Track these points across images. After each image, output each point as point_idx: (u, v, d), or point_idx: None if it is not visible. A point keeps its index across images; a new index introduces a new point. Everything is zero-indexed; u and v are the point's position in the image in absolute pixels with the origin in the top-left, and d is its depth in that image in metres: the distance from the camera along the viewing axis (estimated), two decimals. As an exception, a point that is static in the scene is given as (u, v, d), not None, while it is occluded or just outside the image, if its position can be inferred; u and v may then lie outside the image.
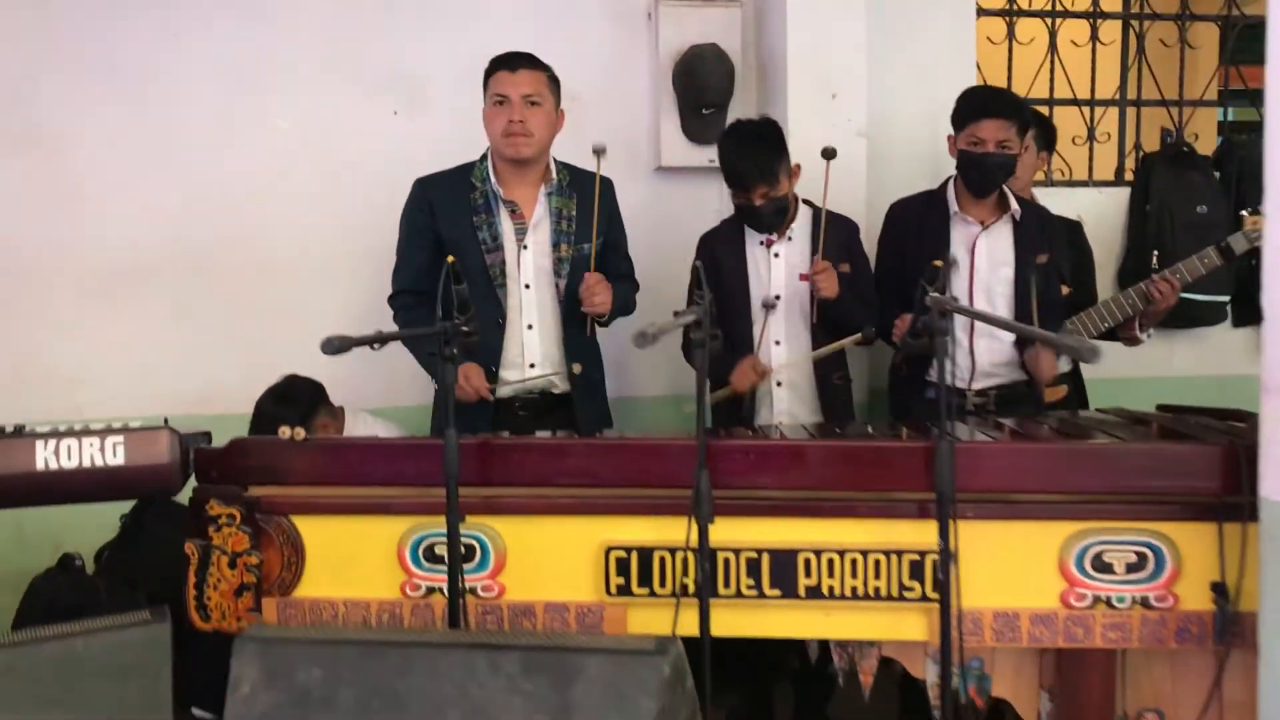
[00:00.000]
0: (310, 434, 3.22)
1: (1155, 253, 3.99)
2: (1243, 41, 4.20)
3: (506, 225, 3.03)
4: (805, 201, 3.21)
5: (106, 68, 3.55)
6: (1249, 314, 4.18)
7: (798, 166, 3.12)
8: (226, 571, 2.41)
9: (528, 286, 3.03)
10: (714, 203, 3.90)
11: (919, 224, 3.24)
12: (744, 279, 3.19)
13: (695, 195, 3.88)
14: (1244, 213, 3.52)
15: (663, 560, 2.34)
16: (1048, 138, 3.67)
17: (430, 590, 2.40)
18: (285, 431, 2.40)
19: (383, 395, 3.73)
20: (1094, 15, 4.16)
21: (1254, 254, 3.46)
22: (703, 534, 2.20)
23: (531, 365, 3.04)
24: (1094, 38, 4.18)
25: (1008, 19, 4.09)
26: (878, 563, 2.29)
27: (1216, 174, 4.17)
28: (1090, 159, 4.23)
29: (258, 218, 3.65)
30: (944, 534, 2.14)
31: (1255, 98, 4.25)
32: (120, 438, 2.28)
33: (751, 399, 3.13)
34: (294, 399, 3.25)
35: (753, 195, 3.04)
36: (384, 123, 3.71)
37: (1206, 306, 4.04)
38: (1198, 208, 4.03)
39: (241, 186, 3.63)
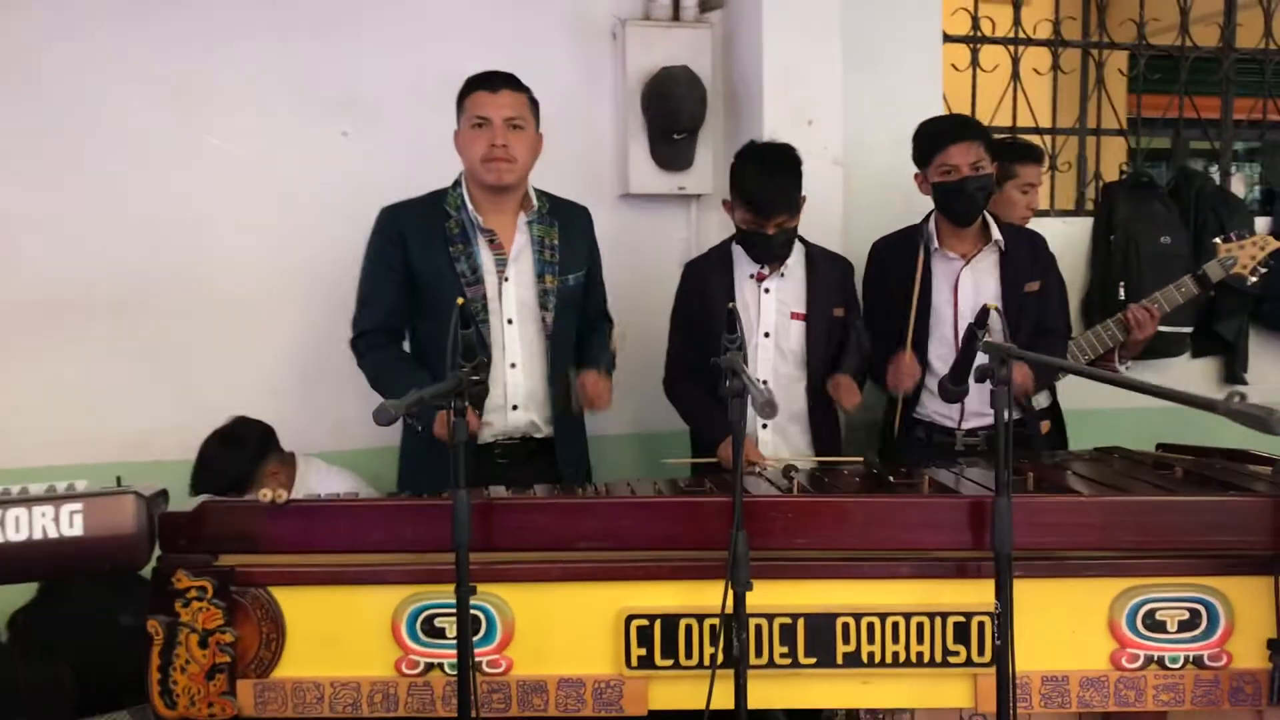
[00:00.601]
0: (258, 483, 2.99)
1: (1122, 284, 3.95)
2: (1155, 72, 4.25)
3: (486, 256, 2.81)
4: (799, 238, 3.06)
5: (24, 80, 3.21)
6: (1209, 345, 4.19)
7: (803, 198, 2.97)
8: (196, 651, 2.13)
9: (510, 322, 2.81)
10: (681, 231, 3.76)
11: (896, 263, 3.12)
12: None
13: (663, 224, 3.73)
14: (1216, 240, 3.49)
15: (689, 628, 2.15)
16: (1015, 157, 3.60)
17: (430, 667, 2.16)
18: (265, 494, 2.14)
19: (331, 438, 3.47)
20: (1055, 43, 4.12)
21: (1221, 284, 3.44)
22: (739, 602, 2.01)
23: (515, 408, 2.82)
24: (1055, 66, 4.14)
25: (971, 46, 4.02)
26: (920, 626, 2.14)
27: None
28: (1052, 188, 4.18)
29: (193, 247, 3.34)
30: (1003, 596, 1.99)
31: (1167, 125, 4.31)
32: (78, 505, 2.00)
33: None
34: (243, 444, 2.98)
35: (768, 224, 2.88)
36: (333, 145, 3.45)
37: (1170, 338, 4.00)
38: (1161, 238, 4.00)
39: (176, 212, 3.33)
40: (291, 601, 2.16)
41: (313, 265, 3.41)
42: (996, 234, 3.05)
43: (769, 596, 2.10)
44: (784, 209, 2.87)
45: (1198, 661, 2.14)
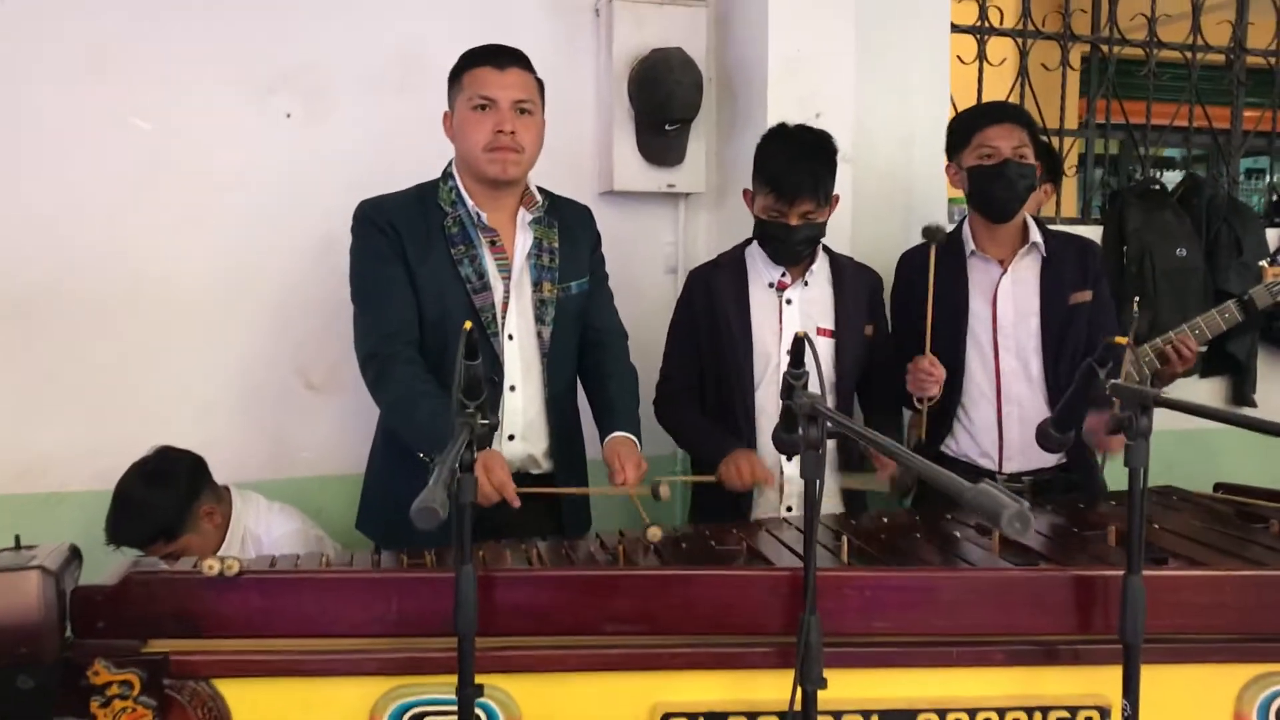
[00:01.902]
0: (192, 527, 2.53)
1: (1136, 299, 3.63)
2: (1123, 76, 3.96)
3: (489, 260, 2.39)
4: (824, 247, 2.69)
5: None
6: (1218, 365, 3.92)
7: (837, 198, 2.60)
8: (118, 765, 1.69)
9: (511, 337, 2.39)
10: (669, 234, 3.36)
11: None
12: (746, 328, 2.63)
13: (650, 225, 3.32)
14: (1263, 264, 3.19)
15: (738, 728, 1.76)
16: (1052, 166, 3.28)
17: (417, 780, 1.74)
18: (212, 564, 1.69)
19: (268, 465, 3.02)
20: (1065, 37, 3.81)
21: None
22: (808, 702, 1.63)
23: (511, 438, 2.39)
24: (1064, 62, 3.83)
25: (979, 37, 3.69)
26: (1016, 724, 1.78)
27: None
28: (1058, 194, 3.87)
29: (109, 242, 2.86)
30: (1131, 695, 1.64)
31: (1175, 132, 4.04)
32: (-35, 586, 1.53)
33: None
34: (171, 482, 2.52)
35: (791, 212, 2.51)
36: (275, 128, 2.97)
37: (1184, 359, 3.72)
38: (1176, 250, 3.71)
39: (89, 202, 2.84)
40: (242, 698, 1.72)
41: (250, 264, 2.95)
42: (1036, 235, 2.70)
43: (836, 688, 1.70)
44: (810, 194, 2.51)
45: (1335, 761, 1.81)
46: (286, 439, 3.03)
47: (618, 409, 2.49)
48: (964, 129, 2.71)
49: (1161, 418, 2.29)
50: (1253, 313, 3.09)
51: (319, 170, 2.96)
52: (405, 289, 2.35)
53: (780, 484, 2.60)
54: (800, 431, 1.62)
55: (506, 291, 2.39)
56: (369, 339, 2.36)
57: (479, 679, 1.65)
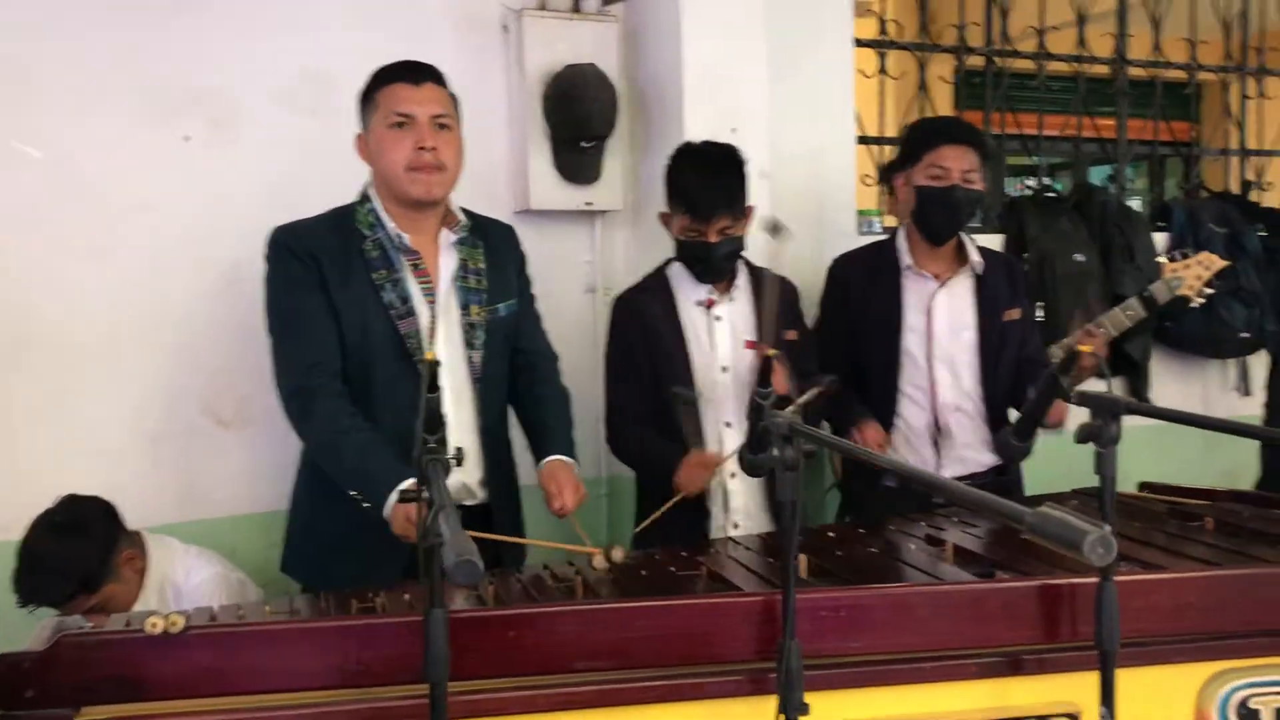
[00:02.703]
0: (114, 577, 2.38)
1: (1040, 304, 3.74)
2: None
3: (413, 284, 2.30)
4: (744, 260, 2.68)
5: None
6: (1115, 366, 4.04)
7: (751, 208, 2.60)
8: (55, 846, 1.55)
9: (439, 364, 2.30)
10: (586, 254, 3.30)
11: (866, 282, 2.79)
12: (683, 347, 2.60)
13: (566, 244, 3.25)
14: (1161, 259, 3.31)
15: (716, 760, 1.71)
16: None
17: (387, 837, 1.64)
18: (155, 622, 1.57)
19: (176, 508, 2.85)
20: (960, 50, 3.89)
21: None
22: (792, 729, 1.60)
23: None
24: (959, 71, 3.92)
25: (879, 51, 3.74)
26: (990, 736, 1.77)
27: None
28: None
29: (-2, 278, 2.67)
30: (1109, 700, 1.64)
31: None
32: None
33: (699, 500, 2.53)
34: (86, 529, 2.37)
35: (709, 229, 2.50)
36: (176, 152, 2.82)
37: (1085, 359, 3.83)
38: (1074, 255, 3.82)
39: (-25, 236, 2.65)
40: (191, 763, 1.60)
41: (153, 296, 2.79)
42: (975, 255, 2.75)
43: (813, 713, 1.68)
44: (725, 210, 2.52)
45: (1292, 755, 1.85)
46: (197, 479, 2.87)
47: (553, 432, 2.45)
48: (918, 144, 2.73)
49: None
50: (1154, 308, 3.19)
51: (226, 196, 2.82)
52: (326, 318, 2.26)
53: (726, 503, 2.58)
54: (775, 452, 1.59)
55: (433, 316, 2.31)
56: (290, 373, 2.26)
57: (447, 725, 1.57)
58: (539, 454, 2.42)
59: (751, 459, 1.79)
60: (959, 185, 2.63)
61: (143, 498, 2.71)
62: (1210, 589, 1.79)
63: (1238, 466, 3.58)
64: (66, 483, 2.49)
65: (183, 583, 2.49)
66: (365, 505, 2.14)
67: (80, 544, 2.31)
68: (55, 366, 2.70)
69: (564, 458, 2.38)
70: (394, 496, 2.07)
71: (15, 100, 2.66)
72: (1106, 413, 1.60)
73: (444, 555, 1.28)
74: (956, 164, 2.63)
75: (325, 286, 2.24)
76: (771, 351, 1.72)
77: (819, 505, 3.10)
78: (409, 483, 1.99)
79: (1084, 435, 1.64)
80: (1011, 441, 1.93)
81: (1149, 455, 4.00)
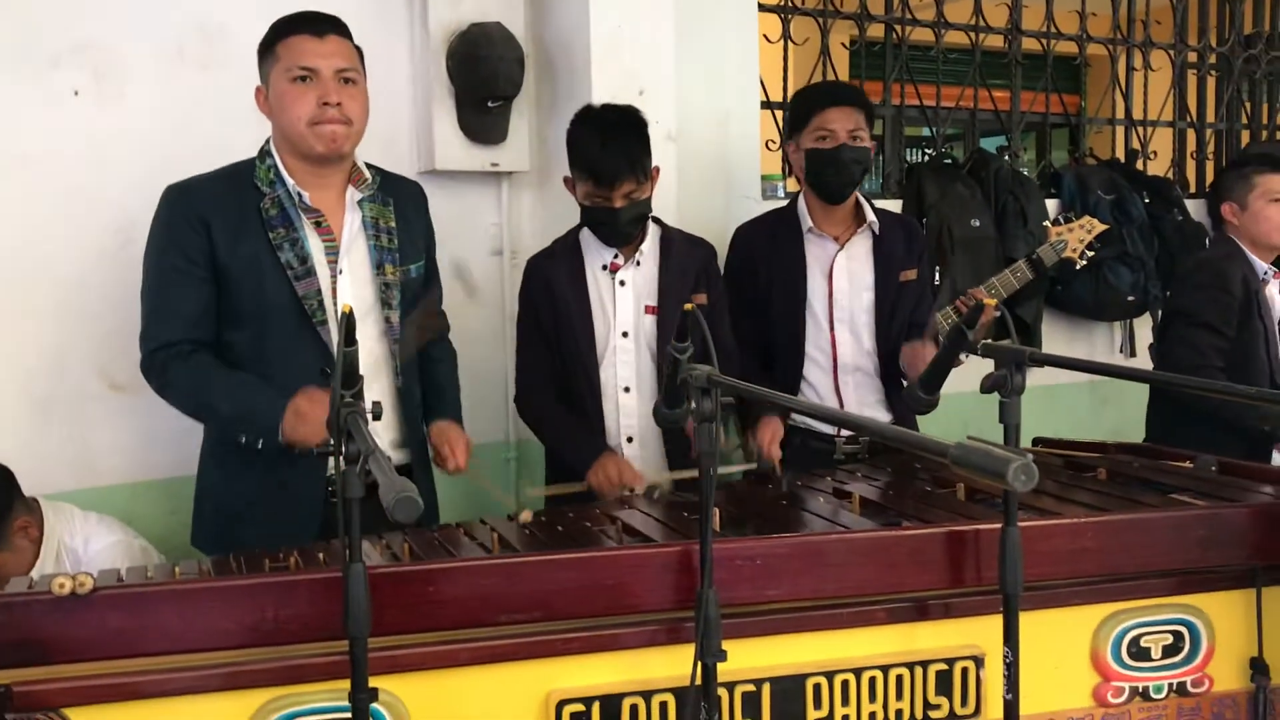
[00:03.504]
0: (7, 544, 2.30)
1: (937, 269, 3.83)
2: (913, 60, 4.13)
3: (315, 243, 2.25)
4: (654, 219, 2.69)
5: None
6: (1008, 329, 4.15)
7: (657, 170, 2.60)
8: (-44, 814, 1.51)
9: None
10: (493, 215, 3.27)
11: (769, 247, 2.82)
12: (587, 312, 2.61)
13: (472, 205, 3.21)
14: (1046, 224, 3.41)
15: (634, 709, 1.74)
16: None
17: (301, 796, 1.63)
18: (62, 582, 1.53)
19: (72, 475, 2.77)
20: (861, 17, 3.94)
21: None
22: (709, 675, 1.63)
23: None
24: (860, 40, 3.97)
25: (783, 16, 3.77)
26: (900, 679, 1.83)
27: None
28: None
29: None
30: (1012, 641, 1.71)
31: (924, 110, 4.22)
32: None
33: None
34: (-20, 498, 2.27)
35: (614, 194, 2.50)
36: (60, 107, 2.69)
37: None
38: (971, 221, 3.91)
39: None
40: (99, 728, 1.57)
41: (41, 255, 2.68)
42: (870, 215, 2.80)
43: (729, 660, 1.71)
44: (629, 175, 2.51)
45: (1180, 689, 1.95)
46: (89, 445, 2.77)
47: (444, 394, 2.47)
48: (802, 110, 2.76)
49: (952, 379, 2.43)
50: (1041, 270, 3.29)
51: (114, 152, 2.72)
52: (201, 291, 2.21)
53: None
54: (693, 405, 1.60)
55: (334, 275, 2.27)
56: (148, 340, 2.25)
57: (366, 683, 1.56)
58: (430, 415, 2.43)
59: (666, 413, 1.81)
60: (845, 145, 2.67)
61: (34, 465, 2.60)
62: (1105, 532, 1.87)
63: (1126, 424, 3.73)
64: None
65: (81, 551, 2.42)
66: (256, 442, 2.13)
67: (-29, 511, 2.23)
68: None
69: (452, 419, 2.41)
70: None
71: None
72: (1011, 363, 1.65)
73: (382, 495, 1.26)
74: (841, 124, 2.68)
75: (212, 252, 2.19)
76: (689, 306, 1.73)
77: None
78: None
79: (990, 385, 1.69)
80: (919, 394, 1.97)
81: (1041, 413, 4.14)
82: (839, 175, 2.72)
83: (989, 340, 3.46)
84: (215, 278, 2.21)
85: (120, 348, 2.77)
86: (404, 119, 3.13)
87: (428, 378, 2.46)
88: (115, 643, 1.57)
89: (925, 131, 4.36)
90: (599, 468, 2.45)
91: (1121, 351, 4.35)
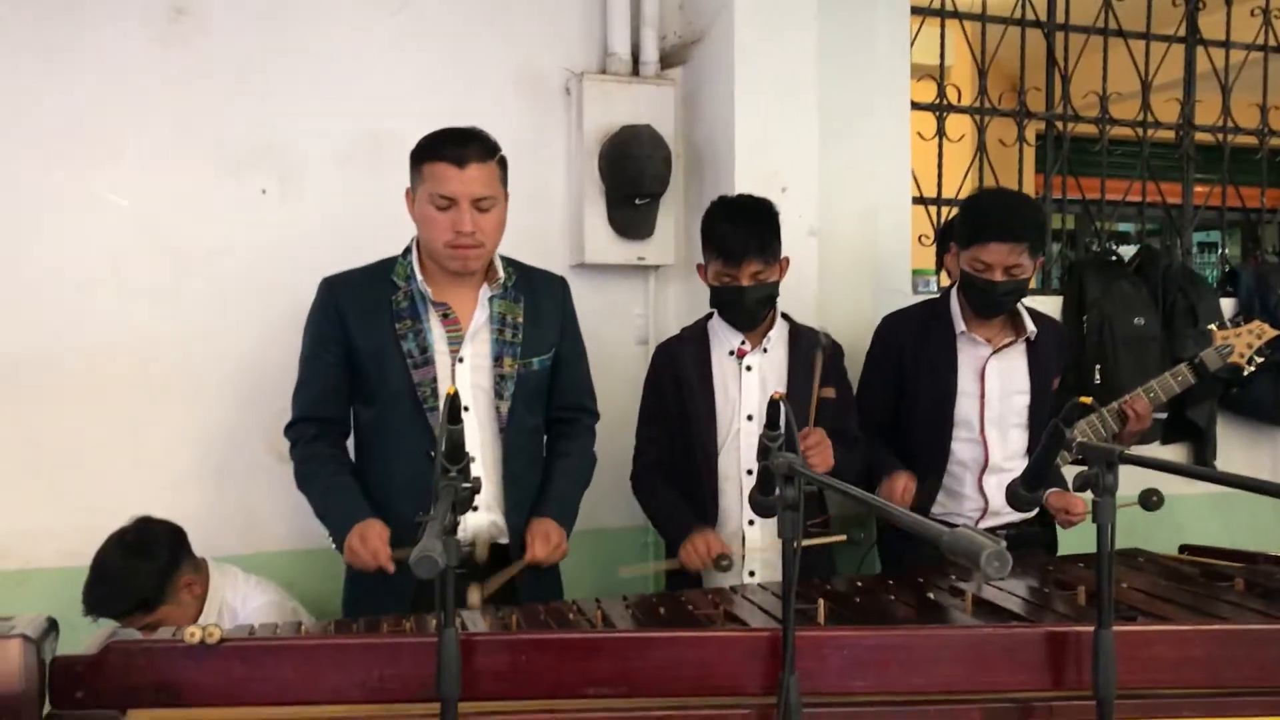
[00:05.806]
0: (171, 598, 2.51)
1: (1098, 367, 3.74)
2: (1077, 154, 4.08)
3: (438, 333, 2.43)
4: (783, 315, 2.76)
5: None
6: (1179, 432, 4.00)
7: (786, 260, 2.68)
8: (94, 839, 1.67)
9: (466, 409, 2.41)
10: (639, 307, 3.41)
11: (919, 342, 2.84)
12: (710, 396, 2.68)
13: (621, 298, 3.37)
14: (1212, 328, 3.30)
15: (715, 795, 1.76)
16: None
17: None
18: (193, 632, 1.69)
19: (240, 539, 3.01)
20: (1020, 114, 3.93)
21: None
22: (789, 762, 1.65)
23: (474, 509, 2.40)
24: (1020, 138, 3.96)
25: (938, 115, 3.81)
26: (993, 780, 1.79)
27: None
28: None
29: (80, 319, 2.87)
30: (1105, 752, 1.66)
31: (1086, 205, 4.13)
32: (-57, 657, 1.53)
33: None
34: (151, 553, 2.51)
35: (741, 273, 2.59)
36: (250, 204, 3.01)
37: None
38: (1134, 319, 3.81)
39: (61, 279, 2.86)
40: (221, 768, 1.71)
41: (221, 338, 2.98)
42: (1030, 326, 2.80)
43: (815, 749, 1.73)
44: (756, 254, 2.59)
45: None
46: (258, 513, 3.02)
47: (550, 490, 2.54)
48: (966, 229, 2.75)
49: (1124, 484, 2.39)
50: (1204, 374, 3.17)
51: (293, 245, 2.99)
52: (333, 373, 2.47)
53: (743, 551, 2.63)
54: (777, 492, 1.65)
55: (453, 364, 2.43)
56: (293, 411, 2.52)
57: (458, 744, 1.65)
58: (534, 507, 2.51)
59: (759, 499, 1.86)
60: (999, 282, 2.67)
61: (206, 530, 2.84)
62: (1214, 643, 1.80)
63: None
64: (135, 513, 2.65)
65: (239, 608, 2.62)
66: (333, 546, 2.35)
67: (143, 564, 2.46)
68: (127, 404, 2.90)
69: (550, 516, 2.47)
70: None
71: (101, 151, 2.87)
72: (1102, 462, 1.63)
73: (412, 555, 1.37)
74: (1000, 260, 2.65)
75: (347, 340, 2.42)
76: (776, 395, 1.78)
77: (864, 562, 3.13)
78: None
79: (1082, 483, 1.67)
80: (1020, 492, 1.96)
81: (1215, 522, 3.95)
82: (989, 307, 2.75)
83: (1147, 443, 3.39)
84: (347, 362, 2.42)
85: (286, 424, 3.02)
86: (557, 215, 3.32)
87: (546, 470, 2.56)
88: (238, 691, 1.72)
89: (1121, 226, 4.28)
90: (689, 544, 2.52)
91: (1307, 459, 4.10)
